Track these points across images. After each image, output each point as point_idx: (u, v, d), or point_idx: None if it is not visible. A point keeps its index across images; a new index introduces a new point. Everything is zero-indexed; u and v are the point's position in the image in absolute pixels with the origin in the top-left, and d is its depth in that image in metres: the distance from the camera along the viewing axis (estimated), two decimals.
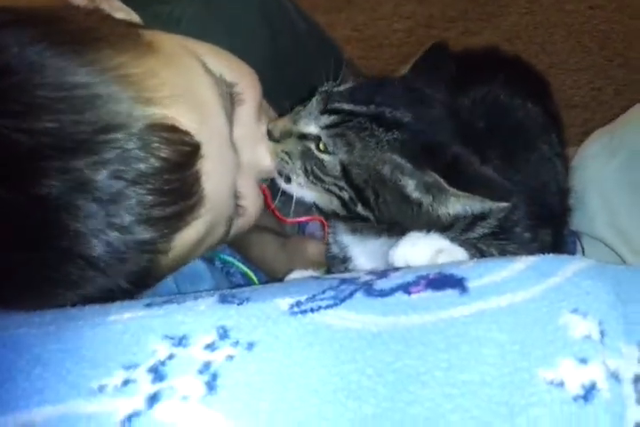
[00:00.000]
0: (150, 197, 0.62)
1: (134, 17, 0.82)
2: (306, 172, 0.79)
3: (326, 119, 0.77)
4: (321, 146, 0.78)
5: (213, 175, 0.69)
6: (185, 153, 0.65)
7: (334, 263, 0.88)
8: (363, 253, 0.85)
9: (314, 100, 0.80)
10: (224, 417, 0.46)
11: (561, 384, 0.47)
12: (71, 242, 0.61)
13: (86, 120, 0.60)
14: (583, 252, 1.00)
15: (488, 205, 0.71)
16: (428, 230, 0.73)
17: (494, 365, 0.49)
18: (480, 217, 0.77)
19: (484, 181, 0.72)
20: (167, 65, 0.69)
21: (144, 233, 0.63)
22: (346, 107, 0.77)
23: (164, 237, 0.65)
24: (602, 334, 0.50)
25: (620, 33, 2.43)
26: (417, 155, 0.73)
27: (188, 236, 0.68)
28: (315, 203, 0.83)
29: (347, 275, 0.67)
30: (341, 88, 0.81)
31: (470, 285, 0.57)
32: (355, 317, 0.55)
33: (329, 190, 0.78)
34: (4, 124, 0.59)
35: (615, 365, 0.48)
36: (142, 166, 0.62)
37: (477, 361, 0.49)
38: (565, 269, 0.58)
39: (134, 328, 0.53)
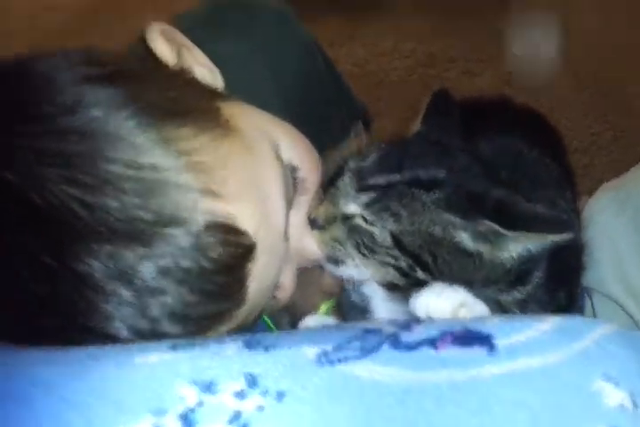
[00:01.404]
0: (190, 297, 0.60)
1: (216, 75, 0.80)
2: (357, 246, 0.77)
3: (365, 197, 0.76)
4: (367, 219, 0.77)
5: (260, 275, 0.67)
6: (238, 255, 0.63)
7: (351, 312, 0.87)
8: (389, 309, 0.83)
9: (345, 179, 0.79)
10: None
11: None
12: (99, 323, 0.59)
13: (149, 206, 0.58)
14: (593, 308, 1.00)
15: (549, 238, 0.71)
16: (488, 283, 0.73)
17: None
18: (521, 282, 0.77)
19: (536, 218, 0.72)
20: (241, 152, 0.67)
21: (173, 329, 0.61)
22: (380, 181, 0.76)
23: (192, 334, 0.62)
24: (634, 404, 0.50)
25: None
26: (463, 207, 0.74)
27: (217, 331, 0.66)
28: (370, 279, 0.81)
29: (368, 324, 0.66)
30: (368, 162, 0.79)
31: (498, 342, 0.56)
32: (382, 370, 0.54)
33: (384, 262, 0.77)
34: (67, 192, 0.56)
35: None
36: (191, 266, 0.59)
37: (511, 425, 0.49)
38: (592, 332, 0.58)
39: (161, 372, 0.52)
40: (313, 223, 0.80)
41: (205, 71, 0.78)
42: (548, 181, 0.91)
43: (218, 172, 0.63)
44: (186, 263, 0.59)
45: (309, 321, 0.82)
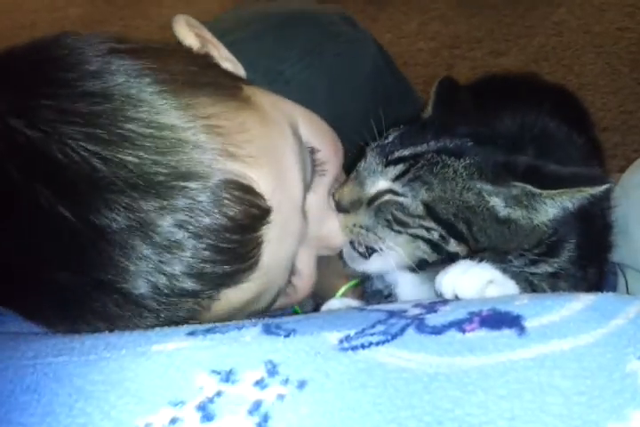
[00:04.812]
0: (206, 253, 0.61)
1: (240, 70, 0.83)
2: (388, 223, 0.75)
3: (393, 170, 0.75)
4: (396, 192, 0.75)
5: (275, 243, 0.67)
6: (253, 215, 0.64)
7: (375, 297, 0.85)
8: (414, 295, 0.81)
9: (368, 157, 0.78)
10: None
11: None
12: (115, 277, 0.60)
13: (166, 162, 0.60)
14: (627, 285, 0.97)
15: (588, 192, 0.69)
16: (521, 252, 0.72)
17: (560, 416, 0.46)
18: (552, 253, 0.75)
19: (569, 175, 0.70)
20: (259, 123, 0.69)
21: (191, 284, 0.62)
22: (407, 152, 0.75)
23: (210, 290, 0.63)
24: None
25: None
26: (495, 172, 0.72)
27: (233, 296, 0.66)
28: (399, 263, 0.79)
29: (393, 306, 0.64)
30: (390, 139, 0.79)
31: (528, 324, 0.54)
32: (408, 355, 0.52)
33: (416, 236, 0.75)
34: (87, 147, 0.58)
35: None
36: (207, 221, 0.61)
37: (542, 411, 0.47)
38: (627, 310, 0.55)
39: (179, 361, 0.51)
40: (337, 205, 0.79)
41: (230, 65, 0.80)
42: (576, 156, 0.87)
43: (236, 136, 0.65)
44: (202, 218, 0.60)
45: (333, 304, 0.80)
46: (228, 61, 0.81)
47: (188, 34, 0.79)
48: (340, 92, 1.03)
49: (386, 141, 0.78)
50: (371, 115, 0.88)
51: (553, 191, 0.70)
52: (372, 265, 0.80)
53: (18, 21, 3.23)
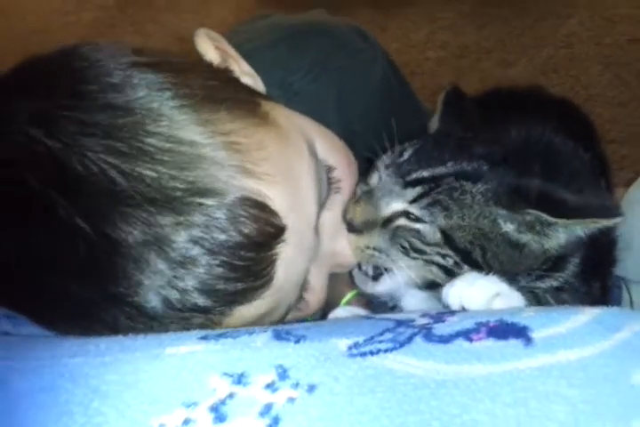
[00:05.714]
0: (220, 270, 0.62)
1: (259, 84, 0.84)
2: (404, 250, 0.76)
3: (412, 192, 0.75)
4: (412, 216, 0.75)
5: (289, 261, 0.68)
6: (268, 234, 0.64)
7: (380, 309, 0.86)
8: (419, 306, 0.82)
9: (383, 176, 0.78)
10: None
11: None
12: (127, 290, 0.60)
13: (184, 178, 0.60)
14: (631, 299, 0.98)
15: (601, 223, 0.70)
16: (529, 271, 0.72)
17: (565, 424, 0.47)
18: (557, 268, 0.75)
19: (582, 206, 0.71)
20: (276, 141, 0.70)
21: (203, 300, 0.62)
22: (426, 174, 0.75)
23: (222, 306, 0.64)
24: None
25: None
26: (509, 198, 0.72)
27: (245, 312, 0.67)
28: (408, 282, 0.79)
29: (400, 316, 0.65)
30: (405, 156, 0.78)
31: (535, 335, 0.55)
32: (416, 363, 0.53)
33: (430, 261, 0.75)
34: (106, 160, 0.59)
35: None
36: (222, 237, 0.61)
37: (548, 419, 0.47)
38: (632, 324, 0.56)
39: (192, 363, 0.52)
40: (349, 226, 0.79)
41: (249, 80, 0.82)
42: (582, 171, 0.88)
43: (254, 153, 0.65)
44: (218, 235, 0.61)
45: (338, 312, 0.81)
46: (247, 76, 0.82)
47: (210, 48, 0.80)
48: (348, 104, 1.04)
49: (401, 159, 0.77)
50: (380, 126, 0.90)
51: (568, 221, 0.70)
52: (382, 287, 0.80)
53: (29, 25, 3.25)
